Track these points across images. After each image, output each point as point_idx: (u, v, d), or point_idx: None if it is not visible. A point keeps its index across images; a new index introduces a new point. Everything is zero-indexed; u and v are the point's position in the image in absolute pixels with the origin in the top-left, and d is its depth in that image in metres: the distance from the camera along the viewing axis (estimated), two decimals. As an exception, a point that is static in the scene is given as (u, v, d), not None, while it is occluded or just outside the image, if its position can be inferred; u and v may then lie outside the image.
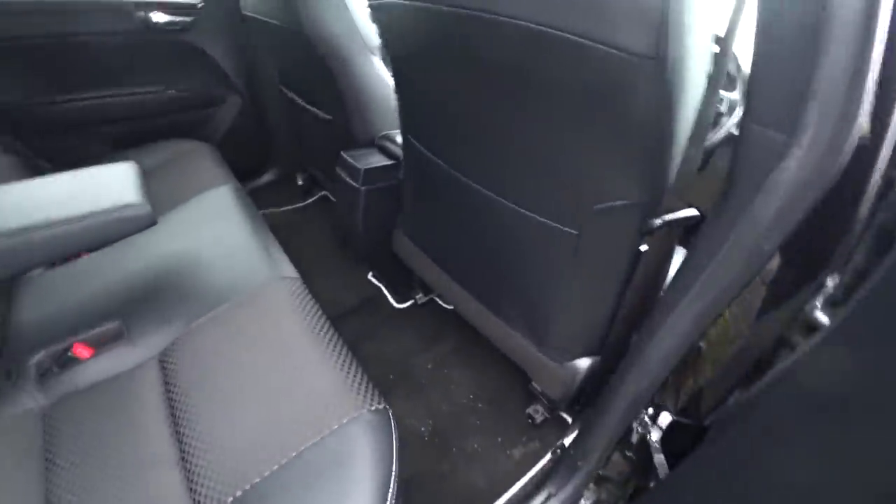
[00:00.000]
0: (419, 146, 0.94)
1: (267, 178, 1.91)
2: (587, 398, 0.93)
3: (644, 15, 0.46)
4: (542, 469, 0.99)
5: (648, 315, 0.71)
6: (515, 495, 0.95)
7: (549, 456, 1.01)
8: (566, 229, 0.72)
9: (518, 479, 0.98)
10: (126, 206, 0.75)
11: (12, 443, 0.65)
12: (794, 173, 0.47)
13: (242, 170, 1.40)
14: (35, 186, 0.84)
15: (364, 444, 0.61)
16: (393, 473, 0.60)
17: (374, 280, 1.48)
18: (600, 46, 0.50)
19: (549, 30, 0.53)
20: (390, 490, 0.58)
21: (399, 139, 1.18)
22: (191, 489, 0.59)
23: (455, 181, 0.86)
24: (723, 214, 0.57)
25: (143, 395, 0.71)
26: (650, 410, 0.81)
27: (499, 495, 0.95)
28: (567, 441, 1.01)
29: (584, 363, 0.86)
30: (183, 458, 0.63)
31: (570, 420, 1.08)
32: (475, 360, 1.22)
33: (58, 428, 0.68)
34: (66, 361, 0.75)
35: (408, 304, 1.40)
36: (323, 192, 1.87)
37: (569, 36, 0.52)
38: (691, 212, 0.67)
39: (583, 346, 0.86)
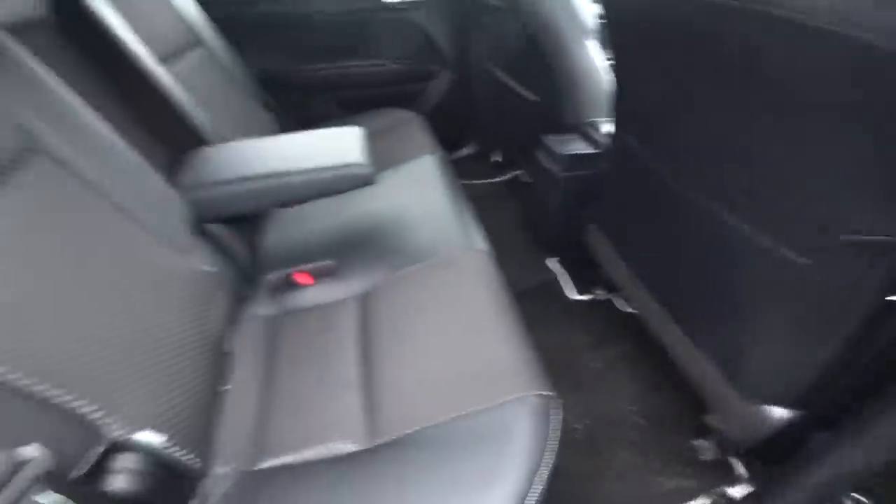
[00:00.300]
0: (631, 141, 0.89)
1: (466, 150, 2.02)
2: (774, 454, 0.81)
3: None
4: None
5: (891, 382, 0.57)
6: None
7: (705, 500, 0.91)
8: (797, 258, 0.62)
9: None
10: (353, 165, 0.87)
11: (247, 336, 0.82)
12: None
13: (446, 141, 1.49)
14: (286, 141, 1.03)
15: (526, 424, 0.62)
16: (548, 462, 0.59)
17: (552, 266, 1.47)
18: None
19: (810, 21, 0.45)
20: (541, 476, 0.58)
21: (604, 128, 1.14)
22: (370, 415, 0.67)
23: (666, 184, 0.80)
24: None
25: (344, 325, 0.82)
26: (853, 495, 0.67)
27: None
28: (735, 493, 0.89)
29: (780, 413, 0.74)
30: (366, 386, 0.71)
31: (741, 470, 0.95)
32: (646, 372, 1.14)
33: (278, 333, 0.83)
34: (290, 284, 0.91)
35: (585, 297, 1.36)
36: (515, 172, 1.91)
37: (827, 26, 0.43)
38: None
39: (783, 393, 0.75)
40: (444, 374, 0.70)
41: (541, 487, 0.56)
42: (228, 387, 0.75)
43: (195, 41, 1.37)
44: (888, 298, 0.57)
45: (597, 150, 1.14)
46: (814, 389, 0.71)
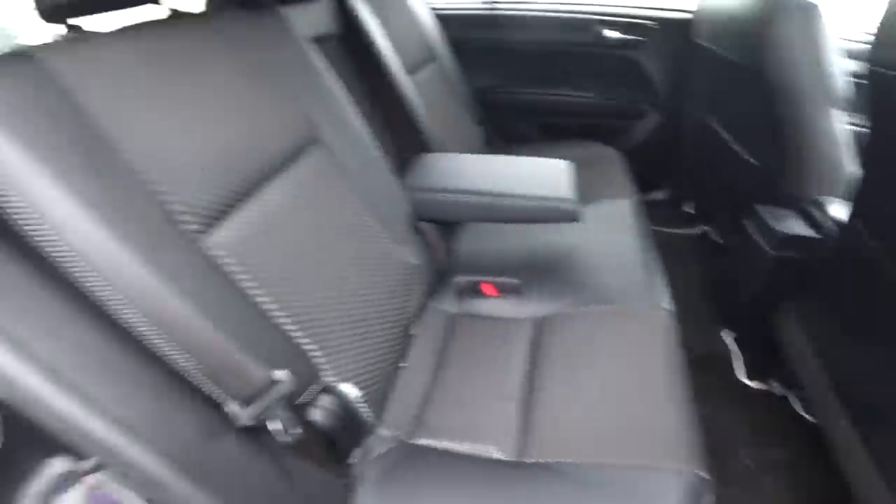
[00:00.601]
0: (869, 237, 0.80)
1: (658, 195, 1.95)
2: None
3: None
4: None
5: None
6: None
7: None
8: None
9: None
10: (561, 200, 0.94)
11: (428, 325, 0.93)
12: None
13: (640, 180, 1.49)
14: (501, 162, 1.15)
15: (676, 499, 0.61)
16: None
17: (728, 341, 1.35)
18: None
19: None
20: None
21: (831, 210, 1.03)
22: (523, 432, 0.72)
23: None
24: None
25: (517, 342, 0.88)
26: None
27: None
28: None
29: None
30: (526, 404, 0.76)
31: None
32: (808, 488, 1.02)
33: (455, 331, 0.93)
34: (475, 291, 1.00)
35: (757, 385, 1.24)
36: (705, 228, 1.79)
37: None
38: None
39: None
40: (605, 418, 0.72)
41: None
42: (406, 364, 0.86)
43: (431, 56, 1.56)
44: None
45: (818, 235, 1.02)
46: None
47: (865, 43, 0.88)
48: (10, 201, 0.43)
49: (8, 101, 0.45)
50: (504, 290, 0.99)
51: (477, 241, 1.17)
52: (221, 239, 0.60)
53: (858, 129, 1.10)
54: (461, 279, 1.03)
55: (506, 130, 1.84)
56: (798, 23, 1.04)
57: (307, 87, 0.88)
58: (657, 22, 1.67)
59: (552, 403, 0.76)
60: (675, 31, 1.66)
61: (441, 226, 1.10)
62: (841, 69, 1.08)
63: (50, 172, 0.44)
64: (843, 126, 1.10)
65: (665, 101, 1.77)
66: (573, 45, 1.75)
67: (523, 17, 1.76)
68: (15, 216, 0.44)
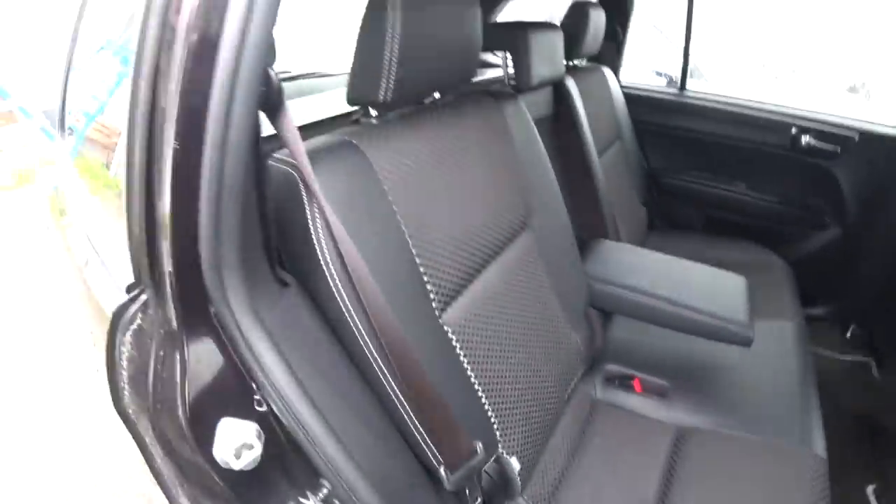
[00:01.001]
0: None
1: (816, 311, 1.77)
2: None
3: None
4: None
5: None
6: None
7: None
8: None
9: None
10: (737, 323, 0.98)
11: (574, 408, 1.00)
12: None
13: (803, 294, 1.45)
14: (678, 266, 1.19)
15: None
16: None
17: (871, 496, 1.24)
18: None
19: None
20: None
21: None
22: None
23: None
24: None
25: (656, 444, 0.93)
26: None
27: None
28: None
29: None
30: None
31: None
32: None
33: (596, 417, 1.00)
34: (623, 384, 1.08)
35: None
36: (867, 358, 1.64)
37: None
38: None
39: None
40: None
41: None
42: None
43: (617, 136, 1.66)
44: None
45: None
46: None
47: None
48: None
49: (337, 186, 0.56)
50: (649, 390, 1.06)
51: (632, 332, 1.20)
52: (452, 316, 0.71)
53: None
54: (612, 367, 1.11)
55: (671, 215, 1.86)
56: None
57: (530, 171, 0.96)
58: (858, 133, 1.58)
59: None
60: (876, 145, 1.56)
61: (603, 312, 1.17)
62: None
63: (353, 250, 0.52)
64: None
65: (852, 216, 1.65)
66: (761, 145, 1.71)
67: (714, 109, 1.77)
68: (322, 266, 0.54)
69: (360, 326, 0.54)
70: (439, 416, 0.58)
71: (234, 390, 0.48)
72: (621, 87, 1.81)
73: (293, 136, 0.48)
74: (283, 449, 0.49)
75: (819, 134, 1.62)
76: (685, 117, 1.81)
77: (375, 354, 0.55)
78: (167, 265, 0.44)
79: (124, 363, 0.48)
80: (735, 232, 1.73)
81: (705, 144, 1.81)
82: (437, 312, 0.68)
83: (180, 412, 0.44)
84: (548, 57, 1.20)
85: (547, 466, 0.87)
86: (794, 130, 1.64)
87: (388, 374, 0.56)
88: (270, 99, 0.45)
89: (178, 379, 0.45)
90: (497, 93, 0.98)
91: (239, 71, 0.37)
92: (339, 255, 0.51)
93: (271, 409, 0.48)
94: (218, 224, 0.42)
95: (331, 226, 0.51)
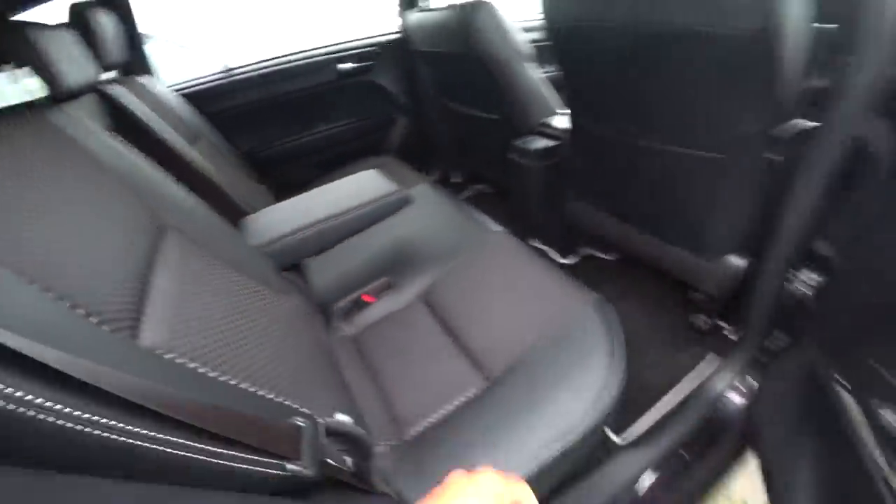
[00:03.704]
0: (589, 121, 1.18)
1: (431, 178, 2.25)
2: (741, 304, 1.07)
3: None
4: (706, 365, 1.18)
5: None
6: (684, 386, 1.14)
7: (711, 357, 1.20)
8: (717, 155, 0.91)
9: (688, 375, 1.17)
10: (392, 193, 1.09)
11: (342, 351, 0.98)
12: None
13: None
14: (320, 193, 1.24)
15: (594, 315, 0.87)
16: (623, 351, 0.82)
17: (537, 245, 1.72)
18: (723, 32, 0.72)
19: (688, 29, 0.76)
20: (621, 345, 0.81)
21: (555, 123, 1.43)
22: (476, 366, 0.87)
23: (619, 141, 1.08)
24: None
25: (420, 319, 1.01)
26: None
27: (672, 387, 1.15)
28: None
29: (736, 261, 1.03)
30: (464, 349, 0.91)
31: (727, 327, 1.24)
32: (640, 298, 1.44)
33: (367, 344, 1.00)
34: (360, 305, 1.09)
35: (571, 260, 1.66)
36: (477, 187, 2.19)
37: (701, 29, 0.74)
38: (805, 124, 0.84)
39: (734, 245, 1.02)
40: (516, 315, 0.92)
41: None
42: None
43: (197, 135, 1.55)
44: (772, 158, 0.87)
45: (558, 142, 1.42)
46: (752, 237, 0.97)
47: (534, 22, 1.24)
48: None
49: None
50: (380, 291, 1.11)
51: (329, 269, 1.21)
52: (151, 337, 0.56)
53: (547, 73, 1.57)
54: (340, 303, 1.10)
55: (290, 180, 1.91)
56: (486, 15, 1.39)
57: (131, 176, 0.84)
58: (379, 46, 1.97)
59: (479, 335, 0.92)
60: (394, 48, 1.98)
61: (294, 270, 1.14)
62: (524, 38, 1.48)
63: None
64: (538, 73, 1.52)
65: (408, 104, 2.09)
66: (317, 87, 1.91)
67: (261, 76, 1.84)
68: None
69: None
70: (239, 426, 0.45)
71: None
72: (175, 89, 1.69)
73: None
74: None
75: (354, 58, 1.93)
76: (243, 93, 1.84)
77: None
78: None
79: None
80: (344, 160, 1.92)
81: (277, 109, 1.90)
82: (133, 343, 0.53)
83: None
84: (76, 61, 0.98)
85: (368, 407, 0.85)
86: (334, 63, 1.91)
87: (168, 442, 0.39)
88: None
89: None
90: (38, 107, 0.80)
91: None
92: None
93: None
94: None
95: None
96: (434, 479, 0.66)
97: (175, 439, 0.38)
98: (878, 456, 0.62)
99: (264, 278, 0.92)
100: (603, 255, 1.63)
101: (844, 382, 0.71)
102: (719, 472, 1.07)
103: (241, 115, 1.85)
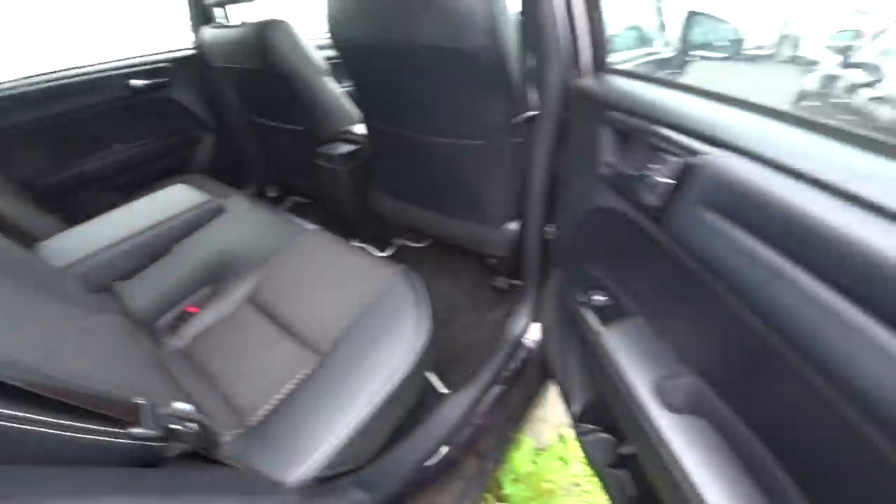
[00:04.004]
0: (379, 123, 1.37)
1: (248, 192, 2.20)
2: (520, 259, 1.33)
3: (482, 24, 0.91)
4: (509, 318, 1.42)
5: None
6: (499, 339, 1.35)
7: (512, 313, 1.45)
8: (479, 142, 1.15)
9: (500, 329, 1.39)
10: (204, 203, 1.10)
11: (176, 370, 0.97)
12: None
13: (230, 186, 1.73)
14: (126, 212, 1.18)
15: (403, 283, 1.02)
16: (427, 303, 0.98)
17: (356, 244, 1.82)
18: (459, 47, 0.95)
19: (436, 45, 0.98)
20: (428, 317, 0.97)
21: (356, 130, 1.61)
22: (303, 344, 0.97)
23: (405, 137, 1.28)
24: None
25: (247, 319, 1.06)
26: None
27: (485, 341, 1.37)
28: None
29: (513, 225, 1.29)
30: (292, 336, 1.00)
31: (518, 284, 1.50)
32: (451, 274, 1.69)
33: (198, 354, 1.01)
34: (185, 317, 1.09)
35: (388, 252, 1.83)
36: (293, 199, 2.26)
37: (442, 45, 0.97)
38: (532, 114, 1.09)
39: (509, 214, 1.29)
40: (337, 297, 1.04)
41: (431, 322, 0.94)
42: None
43: None
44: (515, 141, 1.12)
45: (359, 146, 1.58)
46: (519, 205, 1.22)
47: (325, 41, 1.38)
48: None
49: None
50: (204, 301, 1.13)
51: (146, 287, 1.18)
52: None
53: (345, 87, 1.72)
54: (162, 319, 1.08)
55: (87, 208, 1.71)
56: (282, 34, 1.48)
57: None
58: (172, 62, 1.88)
59: (305, 319, 1.02)
60: (189, 64, 1.92)
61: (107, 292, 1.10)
62: (319, 55, 1.60)
63: None
64: (337, 86, 1.66)
65: (210, 121, 2.05)
66: (110, 103, 1.75)
67: (36, 92, 1.61)
68: None
69: None
70: (76, 396, 0.50)
71: None
72: None
73: None
74: None
75: (145, 74, 1.82)
76: (21, 113, 1.59)
77: None
78: None
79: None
80: (147, 182, 1.80)
81: (64, 128, 1.68)
82: None
83: None
84: None
85: (211, 408, 0.87)
86: (122, 80, 1.76)
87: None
88: None
89: None
90: None
91: None
92: None
93: None
94: None
95: None
96: (280, 452, 0.74)
97: (8, 412, 0.41)
98: (594, 322, 0.89)
99: (72, 298, 0.89)
100: (414, 244, 1.84)
101: (579, 293, 0.97)
102: (530, 400, 1.32)
103: (11, 138, 1.60)
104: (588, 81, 0.91)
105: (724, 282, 0.58)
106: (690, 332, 0.76)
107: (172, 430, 0.58)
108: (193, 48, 1.94)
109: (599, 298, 0.92)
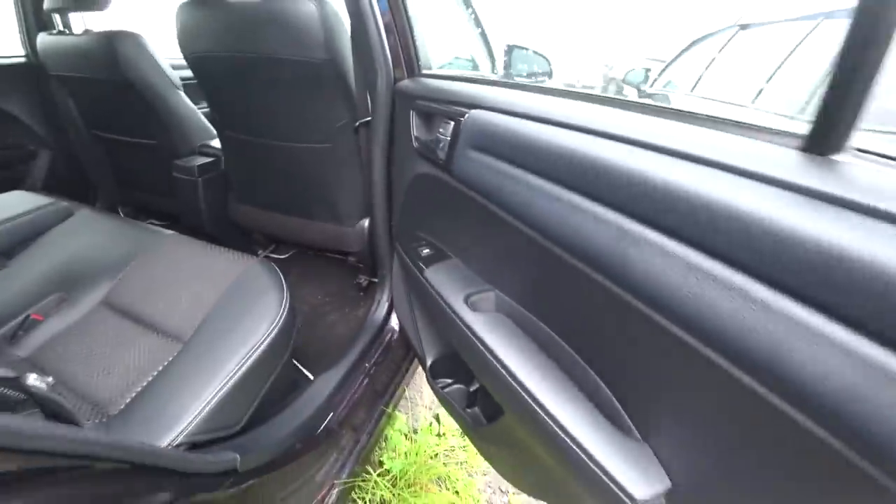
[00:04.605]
0: (232, 133, 1.44)
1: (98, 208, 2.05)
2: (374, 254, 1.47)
3: (319, 39, 1.05)
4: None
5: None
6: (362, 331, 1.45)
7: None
8: (327, 145, 1.29)
9: (363, 323, 1.50)
10: (49, 205, 1.07)
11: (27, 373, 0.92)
12: None
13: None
14: None
15: (263, 271, 1.10)
16: (284, 286, 1.07)
17: None
18: (300, 59, 1.09)
19: (280, 57, 1.11)
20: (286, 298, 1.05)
21: (213, 144, 1.67)
22: (168, 337, 1.00)
23: (257, 144, 1.38)
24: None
25: (103, 322, 1.05)
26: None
27: (355, 334, 1.46)
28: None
29: (364, 222, 1.44)
30: (153, 330, 1.02)
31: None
32: (316, 279, 1.78)
33: (46, 362, 0.98)
34: (28, 326, 1.04)
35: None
36: (149, 220, 2.15)
37: (285, 57, 1.10)
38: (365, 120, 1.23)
39: (360, 213, 1.43)
40: (198, 289, 1.09)
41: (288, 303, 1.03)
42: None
43: None
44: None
45: (212, 159, 1.63)
46: (369, 205, 1.35)
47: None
48: None
49: None
50: (52, 308, 1.10)
51: None
52: None
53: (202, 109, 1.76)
54: (1, 330, 1.02)
55: None
56: (134, 45, 1.49)
57: None
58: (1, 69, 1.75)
59: (168, 315, 1.04)
60: (25, 71, 1.80)
61: None
62: (172, 73, 1.63)
63: None
64: (188, 101, 1.70)
65: (48, 135, 1.92)
66: None
67: None
68: None
69: None
70: None
71: None
72: None
73: None
74: None
75: None
76: None
77: None
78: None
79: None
80: None
81: None
82: None
83: None
84: None
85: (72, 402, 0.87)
86: None
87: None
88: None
89: None
90: None
91: None
92: None
93: None
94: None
95: None
96: (148, 423, 0.78)
97: None
98: (420, 268, 1.04)
99: None
100: (277, 256, 1.89)
101: (411, 253, 1.11)
102: (396, 373, 1.45)
103: None
104: (406, 83, 1.10)
105: (493, 200, 0.80)
106: (489, 258, 0.95)
107: (28, 388, 0.61)
108: (24, 56, 1.82)
109: (425, 251, 1.09)
